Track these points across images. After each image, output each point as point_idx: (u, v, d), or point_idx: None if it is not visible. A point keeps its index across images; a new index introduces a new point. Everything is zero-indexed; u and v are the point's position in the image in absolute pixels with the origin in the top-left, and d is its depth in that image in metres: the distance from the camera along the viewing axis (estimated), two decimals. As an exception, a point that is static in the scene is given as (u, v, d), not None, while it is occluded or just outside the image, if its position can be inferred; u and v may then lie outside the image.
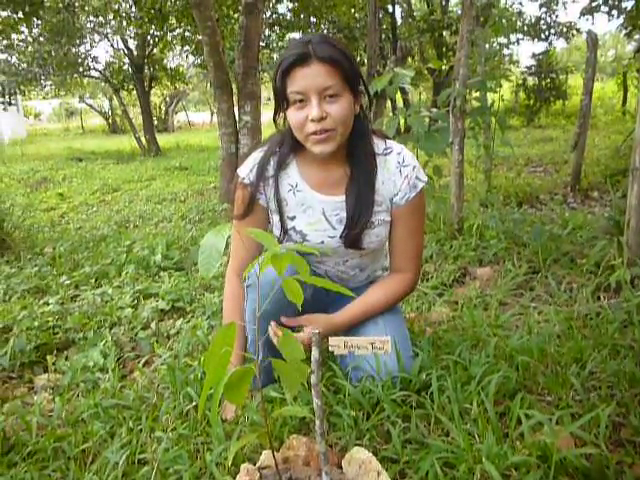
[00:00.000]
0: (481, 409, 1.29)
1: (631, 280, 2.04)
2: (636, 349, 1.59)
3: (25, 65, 10.66)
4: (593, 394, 1.39)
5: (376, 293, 1.52)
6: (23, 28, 8.98)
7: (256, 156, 1.49)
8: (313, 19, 10.83)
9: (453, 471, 1.13)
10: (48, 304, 2.44)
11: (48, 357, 1.95)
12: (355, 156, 1.42)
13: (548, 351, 1.58)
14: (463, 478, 1.10)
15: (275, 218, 1.49)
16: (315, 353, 0.89)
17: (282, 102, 1.33)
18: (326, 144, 1.32)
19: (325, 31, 11.23)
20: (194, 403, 1.46)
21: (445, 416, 1.29)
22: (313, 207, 1.46)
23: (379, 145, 1.45)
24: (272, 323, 1.38)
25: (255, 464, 1.14)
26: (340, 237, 1.45)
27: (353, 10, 10.45)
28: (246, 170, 1.48)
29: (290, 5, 10.32)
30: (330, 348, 1.38)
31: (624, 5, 9.00)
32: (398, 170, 1.43)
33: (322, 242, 1.46)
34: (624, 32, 10.14)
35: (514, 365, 1.52)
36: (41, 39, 10.27)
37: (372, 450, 1.18)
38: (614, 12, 9.20)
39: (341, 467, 1.13)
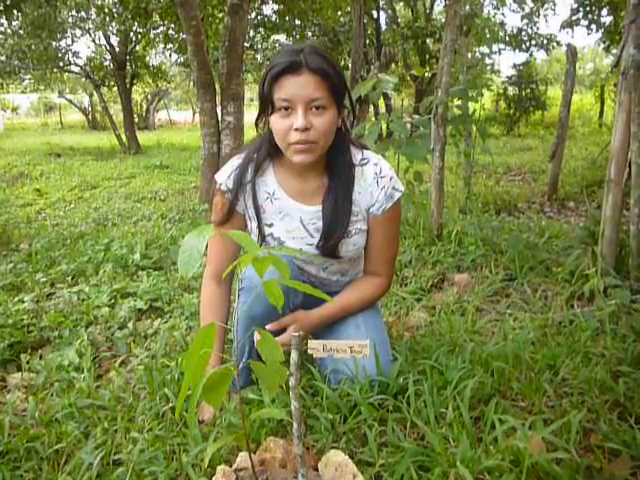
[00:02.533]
0: (456, 414, 1.31)
1: (604, 289, 2.09)
2: (607, 357, 1.62)
3: (4, 58, 10.47)
4: (565, 400, 1.42)
5: (351, 294, 1.53)
6: (3, 21, 8.83)
7: (234, 163, 1.48)
8: (298, 21, 10.85)
9: (428, 474, 1.15)
10: (23, 302, 2.40)
11: (22, 356, 1.92)
12: (333, 167, 1.42)
13: (523, 357, 1.61)
14: (437, 481, 1.12)
15: (253, 225, 1.48)
16: (294, 356, 0.90)
17: (267, 107, 1.33)
18: (307, 155, 1.32)
19: (310, 34, 11.27)
20: (171, 404, 1.45)
21: (421, 420, 1.30)
22: (291, 215, 1.46)
23: (356, 155, 1.45)
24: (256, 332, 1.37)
25: (232, 466, 1.14)
26: (316, 247, 1.45)
27: (339, 14, 10.50)
28: (224, 176, 1.47)
29: (275, 7, 10.32)
30: (309, 351, 1.39)
31: (603, 20, 9.23)
32: (375, 181, 1.43)
33: (300, 249, 1.46)
34: (602, 46, 10.38)
35: (489, 371, 1.54)
36: (21, 32, 10.11)
37: (348, 453, 1.19)
38: (593, 26, 9.41)
39: (317, 469, 1.13)
